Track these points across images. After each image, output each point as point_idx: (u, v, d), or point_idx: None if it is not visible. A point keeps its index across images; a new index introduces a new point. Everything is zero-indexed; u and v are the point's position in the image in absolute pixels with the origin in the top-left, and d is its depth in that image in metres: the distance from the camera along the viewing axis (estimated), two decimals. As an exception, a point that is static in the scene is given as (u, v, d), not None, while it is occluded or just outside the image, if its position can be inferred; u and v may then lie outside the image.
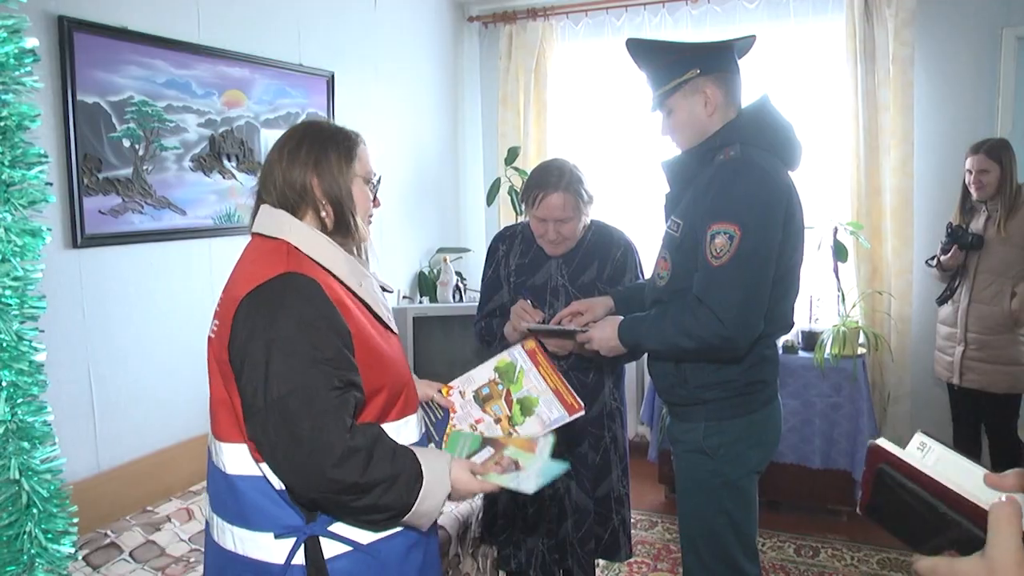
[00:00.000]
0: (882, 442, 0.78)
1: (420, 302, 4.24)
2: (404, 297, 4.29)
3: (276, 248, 1.36)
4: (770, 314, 1.75)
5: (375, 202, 1.51)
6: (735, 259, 1.62)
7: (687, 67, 1.81)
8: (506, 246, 2.43)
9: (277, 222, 1.39)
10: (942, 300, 3.67)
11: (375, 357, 1.38)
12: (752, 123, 1.80)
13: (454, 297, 4.51)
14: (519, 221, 2.77)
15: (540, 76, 4.67)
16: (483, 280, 2.48)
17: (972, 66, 4.07)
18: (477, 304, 2.58)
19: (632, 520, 3.70)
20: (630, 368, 4.22)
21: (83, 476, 2.66)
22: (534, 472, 1.52)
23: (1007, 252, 3.48)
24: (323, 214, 1.40)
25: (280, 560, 1.32)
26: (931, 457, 0.74)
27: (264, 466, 1.31)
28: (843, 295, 4.02)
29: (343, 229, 1.42)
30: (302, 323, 1.26)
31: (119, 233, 2.83)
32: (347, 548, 1.36)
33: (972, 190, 3.54)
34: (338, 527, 1.36)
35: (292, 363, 1.25)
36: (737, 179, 1.68)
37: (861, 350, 3.91)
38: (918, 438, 0.76)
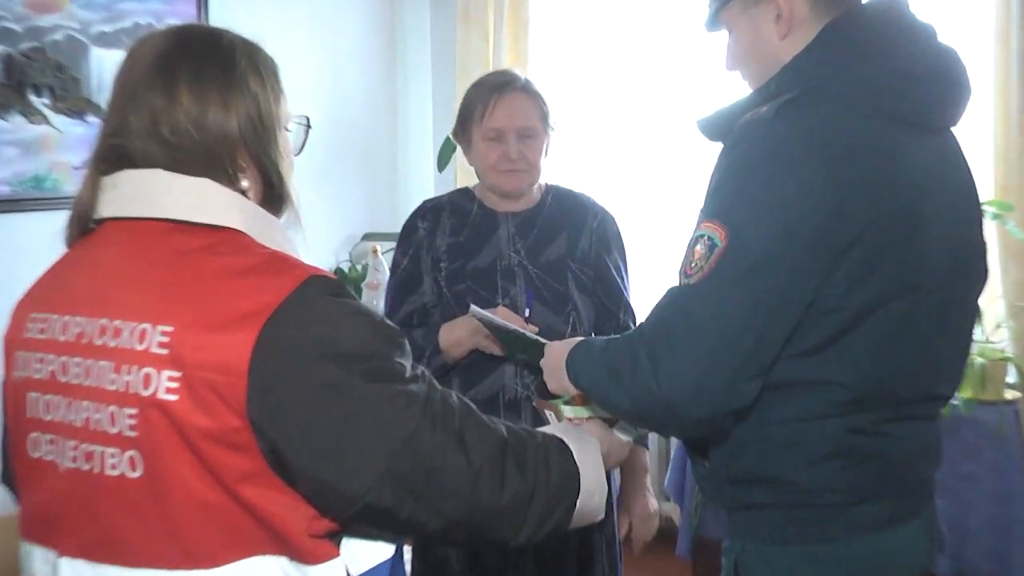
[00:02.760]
0: None
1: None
2: (313, 306, 3.51)
3: (241, 243, 1.12)
4: (867, 371, 1.35)
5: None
6: (708, 280, 1.29)
7: None
8: (429, 223, 2.16)
9: (209, 199, 1.12)
10: None
11: None
12: (839, 49, 1.38)
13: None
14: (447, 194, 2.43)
15: (519, -20, 4.03)
16: (392, 278, 2.20)
17: None
18: (383, 310, 2.29)
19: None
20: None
21: None
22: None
23: None
24: (245, 183, 1.15)
25: None
26: None
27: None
28: (981, 310, 3.08)
29: (275, 200, 1.20)
30: (379, 325, 1.10)
31: None
32: None
33: None
34: None
35: (416, 384, 1.11)
36: (744, 155, 1.34)
37: (1012, 394, 3.24)
38: None
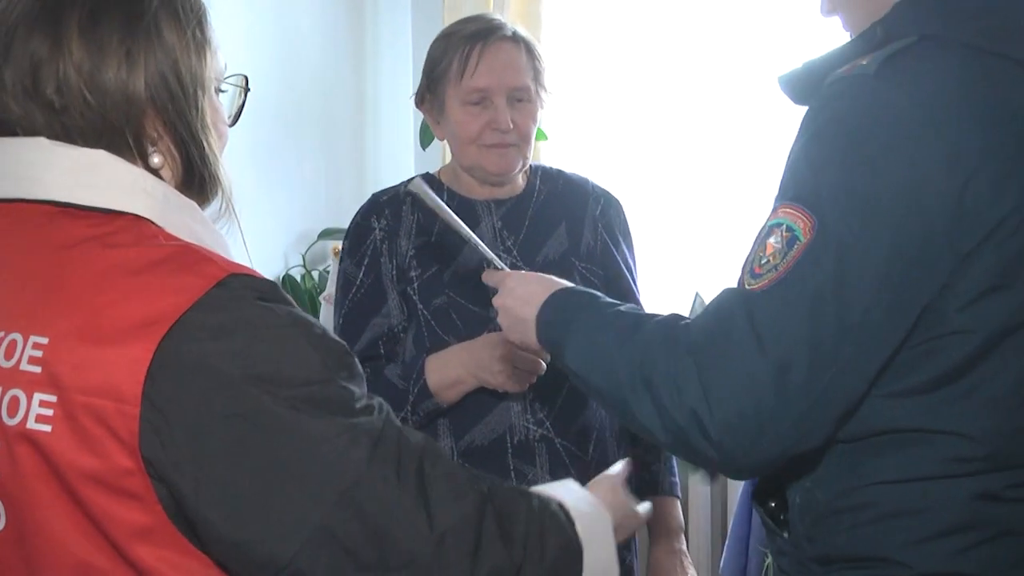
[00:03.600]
0: None
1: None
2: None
3: (143, 233, 1.06)
4: (1005, 417, 1.26)
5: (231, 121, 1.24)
6: (784, 284, 1.20)
7: None
8: (388, 221, 1.98)
9: (104, 176, 1.07)
10: None
11: None
12: None
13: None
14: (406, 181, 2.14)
15: None
16: (344, 297, 1.98)
17: None
18: None
19: None
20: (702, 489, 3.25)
21: None
22: None
23: None
24: (155, 159, 1.09)
25: None
26: None
27: None
28: None
29: (198, 183, 1.13)
30: (319, 339, 1.03)
31: None
32: None
33: None
34: None
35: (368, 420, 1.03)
36: (838, 122, 1.26)
37: None
38: None
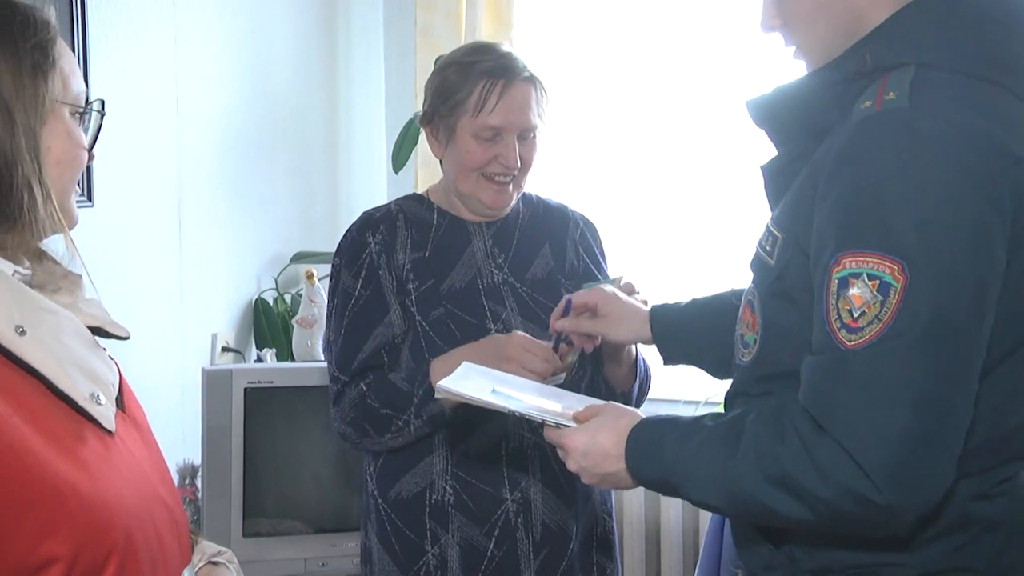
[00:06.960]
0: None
1: (257, 359, 3.26)
2: (225, 349, 3.26)
3: None
4: (993, 427, 1.30)
5: (89, 152, 1.14)
6: (895, 335, 1.17)
7: None
8: (384, 236, 2.00)
9: None
10: None
11: (40, 491, 0.95)
12: (955, 10, 1.26)
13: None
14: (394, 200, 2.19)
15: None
16: (342, 309, 1.96)
17: None
18: (335, 356, 1.97)
19: None
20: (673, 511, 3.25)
21: None
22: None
23: None
24: None
25: None
26: None
27: None
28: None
29: (7, 212, 1.02)
30: None
31: None
32: None
33: None
34: None
35: None
36: (898, 162, 1.20)
37: None
38: None
